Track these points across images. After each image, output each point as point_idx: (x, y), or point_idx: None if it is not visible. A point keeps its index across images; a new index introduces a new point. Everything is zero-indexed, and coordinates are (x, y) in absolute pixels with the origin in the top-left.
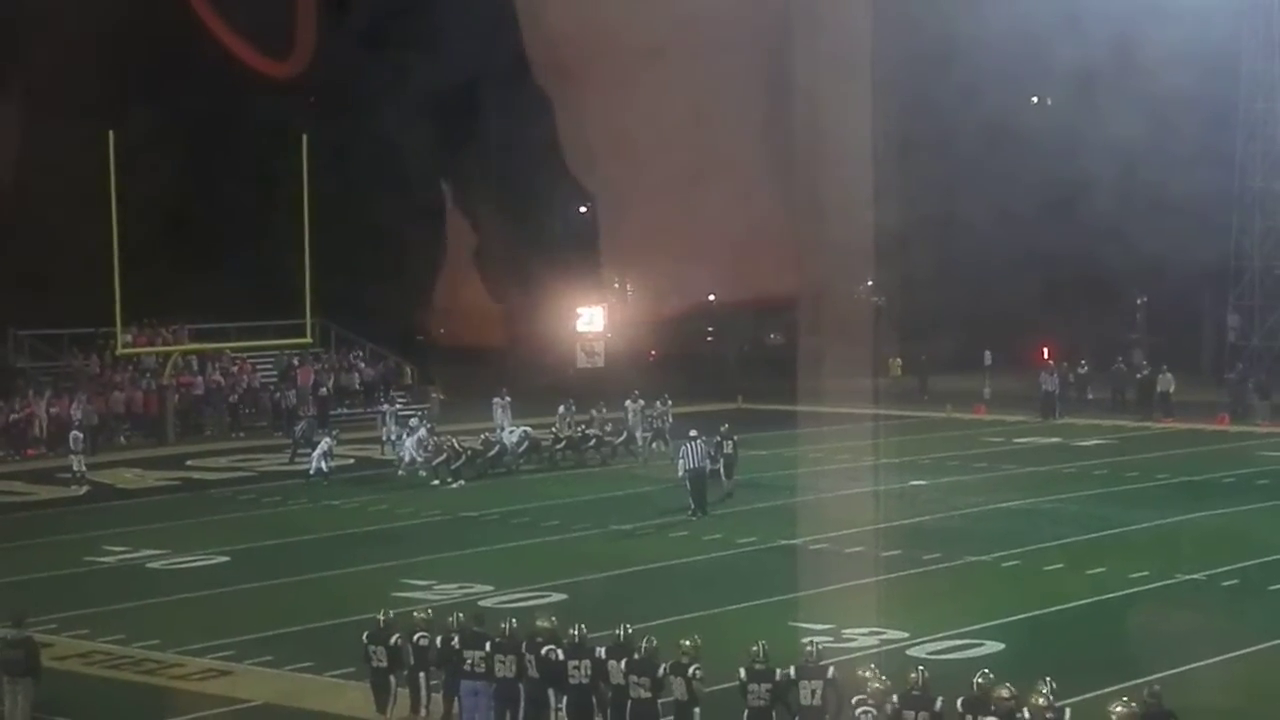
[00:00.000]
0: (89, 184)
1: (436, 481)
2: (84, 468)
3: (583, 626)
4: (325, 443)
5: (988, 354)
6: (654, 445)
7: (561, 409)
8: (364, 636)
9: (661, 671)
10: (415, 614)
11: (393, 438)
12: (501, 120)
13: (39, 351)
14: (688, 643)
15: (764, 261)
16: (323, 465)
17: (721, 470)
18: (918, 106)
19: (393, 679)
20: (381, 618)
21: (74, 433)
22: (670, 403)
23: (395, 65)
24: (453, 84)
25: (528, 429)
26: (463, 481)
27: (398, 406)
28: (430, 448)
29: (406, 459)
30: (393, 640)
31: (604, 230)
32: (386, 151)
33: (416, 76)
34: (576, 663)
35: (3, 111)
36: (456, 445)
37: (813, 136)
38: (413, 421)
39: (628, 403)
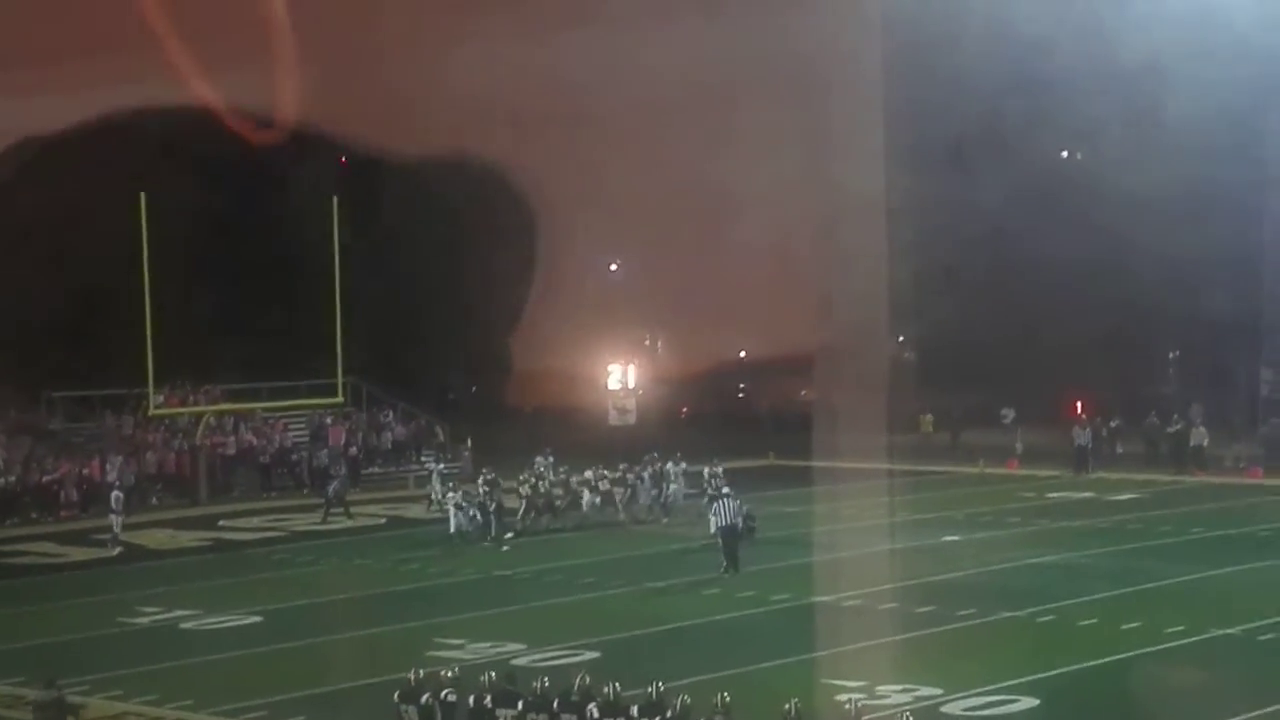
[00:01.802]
0: (122, 246)
1: (509, 540)
2: (120, 528)
3: (616, 685)
4: (452, 496)
5: (1009, 412)
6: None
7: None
8: (395, 696)
9: None
10: (443, 673)
11: (437, 496)
12: (530, 176)
13: (71, 413)
14: (726, 698)
15: (791, 318)
16: (463, 520)
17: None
18: (948, 161)
19: None
20: (413, 677)
21: (115, 493)
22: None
23: (424, 125)
24: (483, 140)
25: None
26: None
27: (443, 466)
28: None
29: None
30: (424, 699)
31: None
32: (416, 210)
33: (445, 134)
34: None
35: (36, 174)
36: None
37: (837, 189)
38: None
39: (669, 465)
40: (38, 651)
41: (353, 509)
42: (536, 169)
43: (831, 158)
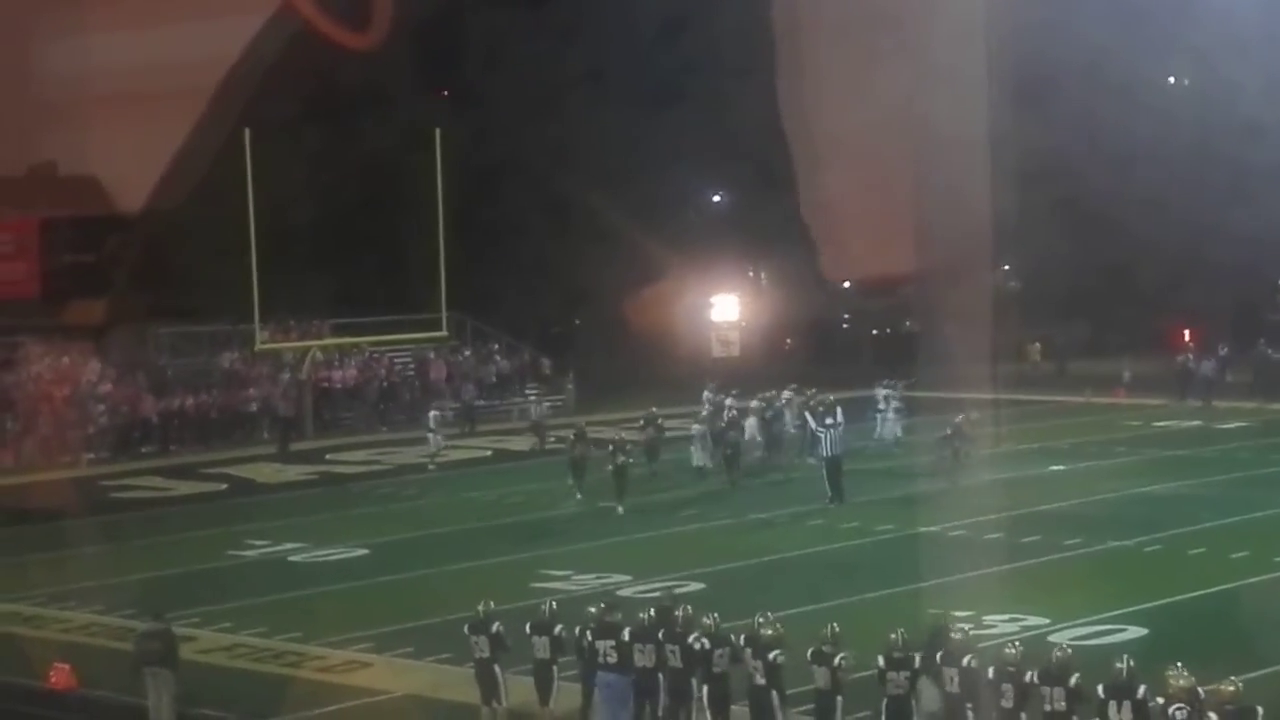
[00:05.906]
0: (226, 181)
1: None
2: (443, 444)
3: (717, 616)
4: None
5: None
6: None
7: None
8: (465, 628)
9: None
10: (541, 608)
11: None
12: (634, 110)
13: (178, 349)
14: (836, 629)
15: (894, 248)
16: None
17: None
18: (1053, 90)
19: (497, 668)
20: (481, 608)
21: (432, 413)
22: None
23: (526, 58)
24: (586, 75)
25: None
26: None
27: (892, 389)
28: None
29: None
30: (494, 629)
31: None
32: (518, 144)
33: (547, 69)
34: (721, 651)
35: (142, 114)
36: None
37: (940, 118)
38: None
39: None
40: (148, 585)
41: (459, 442)
42: (637, 102)
43: (935, 86)
